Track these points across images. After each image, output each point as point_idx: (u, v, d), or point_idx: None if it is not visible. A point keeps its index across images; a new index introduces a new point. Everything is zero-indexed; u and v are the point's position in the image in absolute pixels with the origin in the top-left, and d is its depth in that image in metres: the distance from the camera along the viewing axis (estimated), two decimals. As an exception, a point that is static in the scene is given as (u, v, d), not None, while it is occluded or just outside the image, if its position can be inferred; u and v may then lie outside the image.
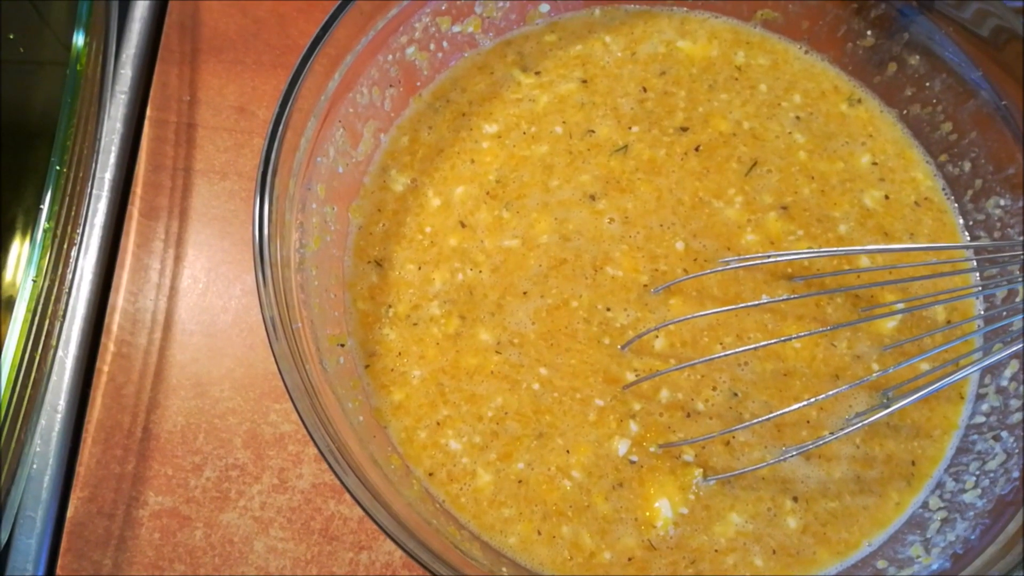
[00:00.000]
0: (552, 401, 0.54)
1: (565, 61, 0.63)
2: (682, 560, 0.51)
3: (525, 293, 0.57)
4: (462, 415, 0.54)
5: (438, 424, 0.54)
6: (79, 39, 0.61)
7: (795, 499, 0.52)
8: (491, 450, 0.53)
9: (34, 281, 0.53)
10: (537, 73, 0.63)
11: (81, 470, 0.60)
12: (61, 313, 0.58)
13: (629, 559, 0.51)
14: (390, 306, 0.56)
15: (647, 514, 0.52)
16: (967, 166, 0.58)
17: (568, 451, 0.53)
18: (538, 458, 0.53)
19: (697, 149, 0.60)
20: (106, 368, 0.62)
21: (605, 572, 0.51)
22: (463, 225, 0.58)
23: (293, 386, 0.42)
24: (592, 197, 0.59)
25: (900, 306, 0.56)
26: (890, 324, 0.56)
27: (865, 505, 0.53)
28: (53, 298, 0.56)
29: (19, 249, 0.61)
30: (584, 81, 0.63)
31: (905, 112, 0.61)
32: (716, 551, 0.51)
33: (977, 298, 0.56)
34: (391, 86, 0.58)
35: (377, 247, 0.58)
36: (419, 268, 0.57)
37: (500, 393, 0.54)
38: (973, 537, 0.47)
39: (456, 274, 0.57)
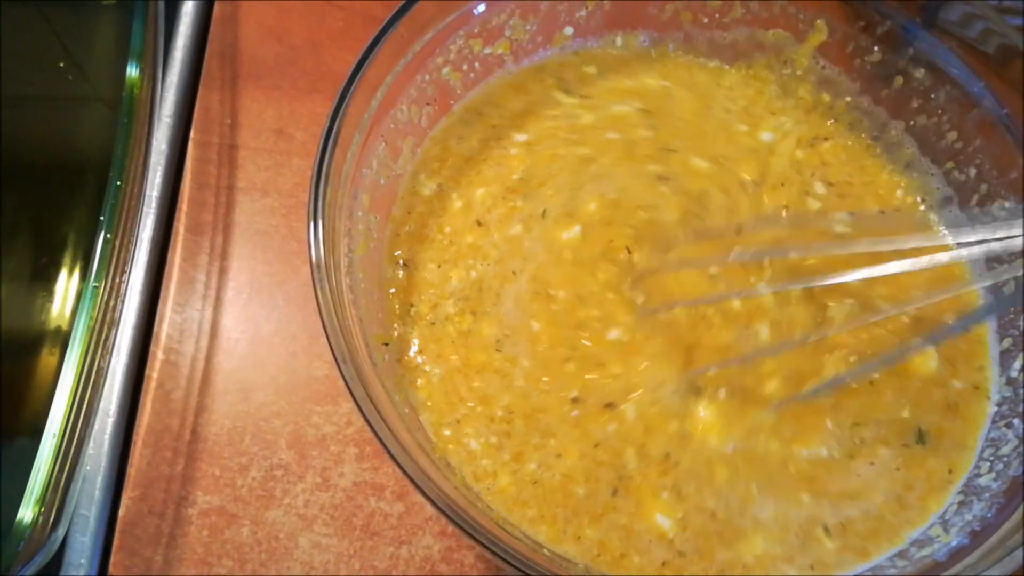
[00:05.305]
0: (539, 397, 0.56)
1: (615, 89, 0.67)
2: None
3: (514, 272, 0.59)
4: (476, 415, 0.56)
5: (458, 423, 0.56)
6: (133, 71, 0.65)
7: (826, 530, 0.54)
8: (505, 451, 0.55)
9: (95, 287, 0.56)
10: (584, 96, 0.66)
11: (132, 471, 0.62)
12: (117, 320, 0.61)
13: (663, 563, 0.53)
14: (412, 305, 0.59)
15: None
16: (972, 172, 0.61)
17: (559, 455, 0.54)
18: (545, 459, 0.55)
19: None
20: (155, 375, 0.65)
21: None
22: (479, 224, 0.61)
23: (350, 377, 0.45)
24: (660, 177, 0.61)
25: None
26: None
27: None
28: (111, 306, 0.59)
29: (66, 284, 0.64)
30: (645, 111, 0.66)
31: (912, 123, 0.64)
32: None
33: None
34: (428, 104, 0.62)
35: (404, 247, 0.61)
36: (438, 267, 0.60)
37: (505, 391, 0.56)
38: (990, 515, 0.49)
39: (470, 271, 0.59)
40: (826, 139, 0.66)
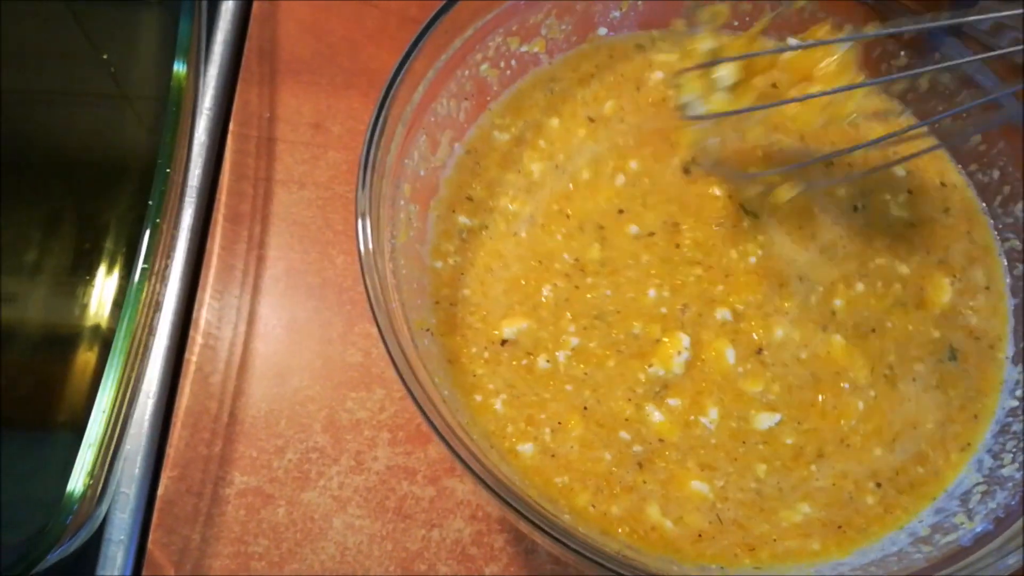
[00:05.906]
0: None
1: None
2: None
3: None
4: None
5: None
6: (180, 67, 0.67)
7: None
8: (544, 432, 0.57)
9: (144, 268, 0.58)
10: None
11: (171, 452, 0.64)
12: (160, 303, 0.63)
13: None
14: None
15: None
16: (996, 174, 0.63)
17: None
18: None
19: None
20: (194, 359, 0.67)
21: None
22: (591, 120, 0.66)
23: (395, 352, 0.47)
24: None
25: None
26: None
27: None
28: (156, 289, 0.61)
29: (107, 270, 0.66)
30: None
31: (936, 126, 0.66)
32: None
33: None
34: (465, 99, 0.64)
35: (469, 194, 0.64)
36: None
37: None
38: (1014, 503, 0.50)
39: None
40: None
